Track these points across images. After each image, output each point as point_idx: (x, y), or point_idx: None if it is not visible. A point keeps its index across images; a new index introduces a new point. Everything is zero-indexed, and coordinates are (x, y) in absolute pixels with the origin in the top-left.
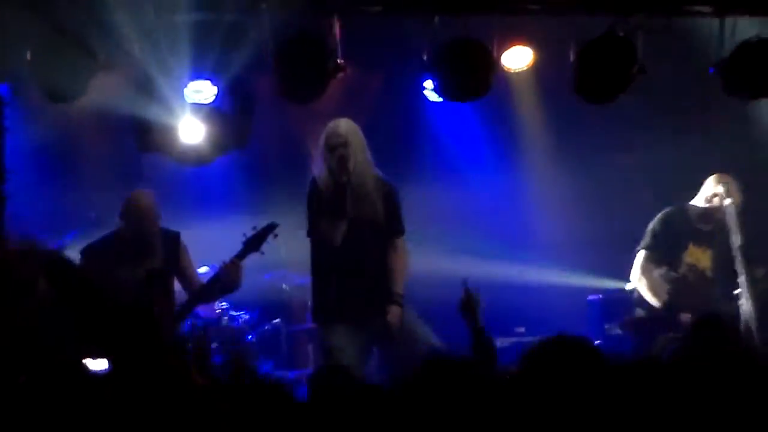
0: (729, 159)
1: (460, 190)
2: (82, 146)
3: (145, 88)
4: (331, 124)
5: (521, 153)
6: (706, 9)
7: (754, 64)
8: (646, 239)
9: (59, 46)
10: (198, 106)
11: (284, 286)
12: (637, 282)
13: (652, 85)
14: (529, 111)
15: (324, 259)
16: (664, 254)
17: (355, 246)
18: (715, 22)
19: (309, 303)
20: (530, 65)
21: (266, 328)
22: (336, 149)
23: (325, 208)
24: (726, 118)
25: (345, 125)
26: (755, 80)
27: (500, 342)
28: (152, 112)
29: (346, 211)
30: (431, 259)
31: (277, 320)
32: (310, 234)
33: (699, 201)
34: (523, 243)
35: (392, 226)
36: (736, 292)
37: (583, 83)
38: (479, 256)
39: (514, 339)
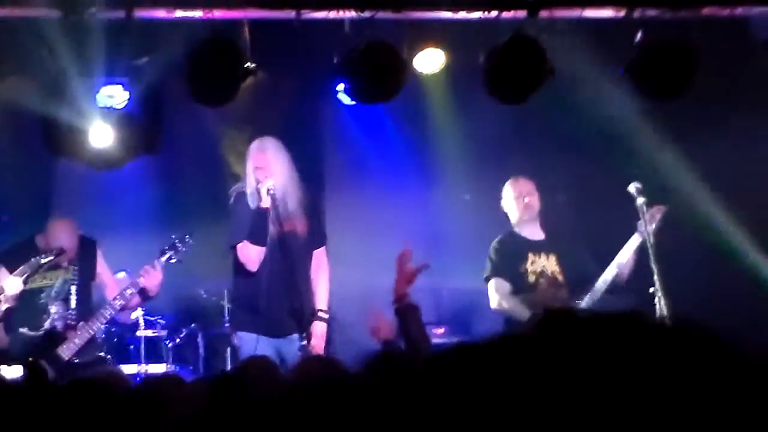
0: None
1: (374, 193)
2: None
3: (56, 91)
4: (256, 145)
5: (435, 155)
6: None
7: (662, 65)
8: (487, 268)
9: None
10: (109, 111)
11: (201, 291)
12: (499, 309)
13: (565, 85)
14: (442, 113)
15: (243, 275)
16: (508, 273)
17: (275, 264)
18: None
19: (226, 308)
20: (442, 68)
21: (183, 333)
22: (258, 172)
23: (247, 229)
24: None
25: (269, 147)
26: (663, 82)
27: None
28: (62, 116)
29: (266, 238)
30: (348, 267)
31: (194, 325)
32: (230, 249)
33: (513, 214)
34: (438, 246)
35: (314, 238)
36: (651, 289)
37: (494, 85)
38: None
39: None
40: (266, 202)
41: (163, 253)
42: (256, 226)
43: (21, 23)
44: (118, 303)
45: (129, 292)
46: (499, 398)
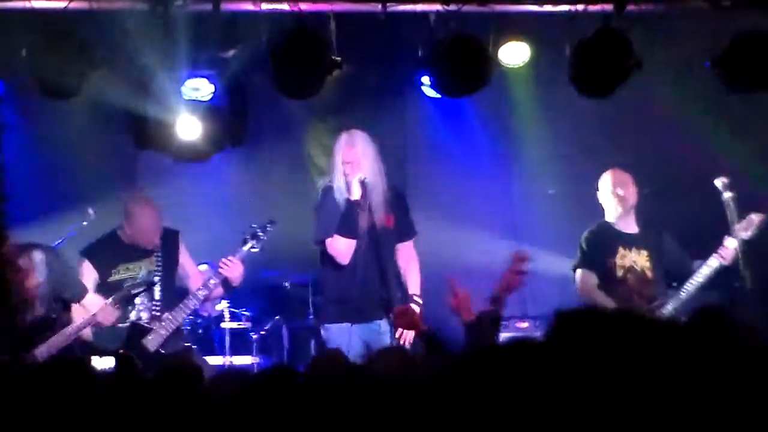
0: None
1: (457, 186)
2: (79, 143)
3: (142, 84)
4: (345, 139)
5: (519, 148)
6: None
7: (750, 57)
8: (577, 257)
9: (55, 42)
10: (195, 103)
11: (285, 283)
12: (583, 300)
13: (649, 79)
14: (526, 106)
15: (333, 268)
16: (597, 265)
17: (366, 255)
18: (711, 14)
19: (310, 300)
20: (527, 61)
21: (268, 325)
22: (347, 166)
23: (336, 222)
24: (726, 117)
25: (358, 141)
26: (752, 74)
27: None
28: (149, 109)
29: (357, 230)
30: (431, 260)
31: (278, 317)
32: (318, 244)
33: (608, 206)
34: (521, 240)
35: (403, 231)
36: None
37: (579, 78)
38: (478, 251)
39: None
40: (356, 195)
41: (244, 242)
42: (347, 219)
43: (109, 16)
44: (202, 294)
45: (212, 282)
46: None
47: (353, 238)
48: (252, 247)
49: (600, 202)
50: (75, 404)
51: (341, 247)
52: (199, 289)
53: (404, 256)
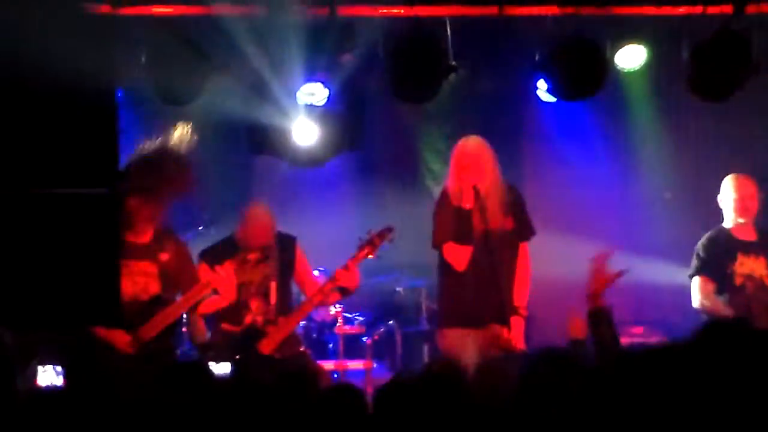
0: None
1: (575, 189)
2: (196, 148)
3: (259, 90)
4: (462, 144)
5: (635, 153)
6: None
7: None
8: (694, 264)
9: (173, 49)
10: (311, 108)
11: (398, 288)
12: (700, 307)
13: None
14: (642, 109)
15: (450, 275)
16: (715, 272)
17: (480, 261)
18: None
19: (423, 305)
20: (643, 64)
21: (381, 329)
22: (463, 172)
23: (452, 227)
24: None
25: (475, 147)
26: None
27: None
28: (265, 114)
29: (473, 237)
30: (546, 264)
31: (391, 322)
32: (435, 247)
33: (728, 212)
34: (637, 244)
35: (521, 232)
36: None
37: (697, 82)
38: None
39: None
40: (469, 202)
41: (360, 248)
42: (461, 226)
43: (226, 22)
44: (317, 299)
45: (328, 288)
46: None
47: (468, 245)
48: (368, 254)
49: (720, 207)
50: (195, 408)
51: (457, 254)
52: (315, 294)
53: (519, 259)
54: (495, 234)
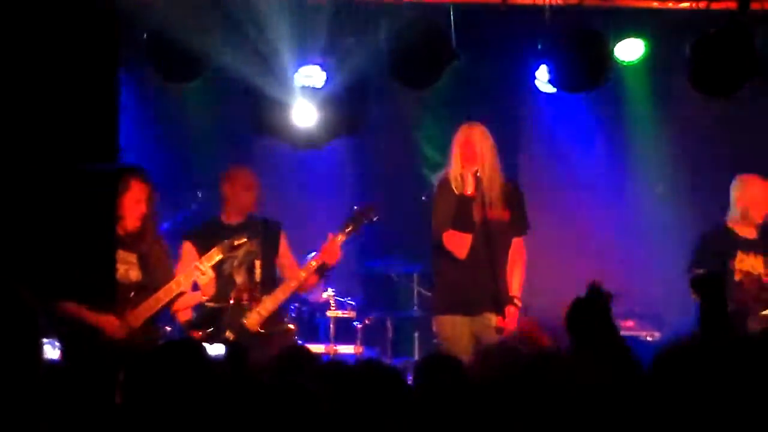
0: None
1: (569, 181)
2: (195, 125)
3: (258, 70)
4: (463, 131)
5: (632, 146)
6: None
7: None
8: (692, 258)
9: (175, 26)
10: (312, 91)
11: (391, 274)
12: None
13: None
14: (640, 103)
15: (450, 262)
16: (714, 267)
17: (479, 249)
18: None
19: (415, 291)
20: (642, 57)
21: (372, 315)
22: (464, 159)
23: (453, 215)
24: None
25: (478, 135)
26: None
27: None
28: (266, 95)
29: (473, 224)
30: (542, 256)
31: (383, 308)
32: (435, 234)
33: (735, 208)
34: (632, 237)
35: (517, 226)
36: None
37: (698, 77)
38: (587, 254)
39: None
40: (470, 189)
41: (345, 225)
42: (462, 213)
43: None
44: (302, 274)
45: (313, 263)
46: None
47: (470, 233)
48: (353, 230)
49: (730, 202)
50: (192, 389)
51: (458, 242)
52: (297, 273)
53: (513, 252)
54: (494, 223)
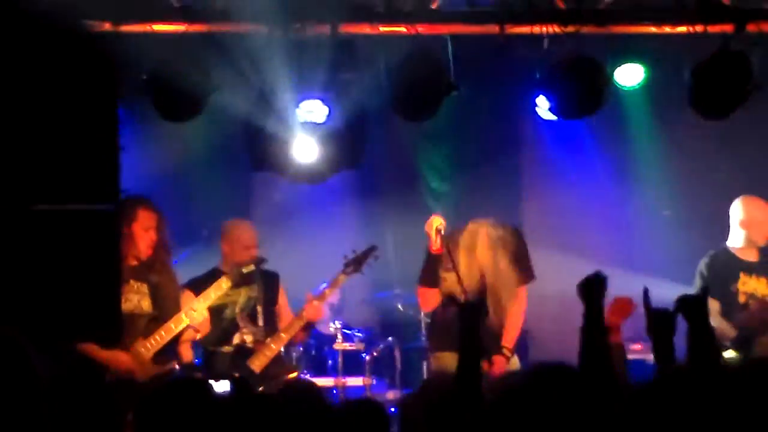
0: None
1: (571, 208)
2: (195, 164)
3: (259, 107)
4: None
5: (634, 170)
6: None
7: None
8: (697, 283)
9: (174, 66)
10: (311, 125)
11: (398, 305)
12: None
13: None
14: (641, 128)
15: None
16: (719, 291)
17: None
18: None
19: (422, 322)
20: (642, 82)
21: (380, 346)
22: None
23: (427, 268)
24: None
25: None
26: None
27: None
28: (266, 131)
29: (438, 280)
30: (545, 283)
31: (391, 338)
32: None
33: (736, 231)
34: (635, 262)
35: (521, 276)
36: None
37: (698, 100)
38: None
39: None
40: (436, 245)
41: (345, 267)
42: (427, 270)
43: (228, 39)
44: (287, 335)
45: (297, 324)
46: None
47: (434, 288)
48: (354, 271)
49: (731, 225)
50: (200, 427)
51: (424, 296)
52: (284, 330)
53: (515, 302)
54: (487, 270)
